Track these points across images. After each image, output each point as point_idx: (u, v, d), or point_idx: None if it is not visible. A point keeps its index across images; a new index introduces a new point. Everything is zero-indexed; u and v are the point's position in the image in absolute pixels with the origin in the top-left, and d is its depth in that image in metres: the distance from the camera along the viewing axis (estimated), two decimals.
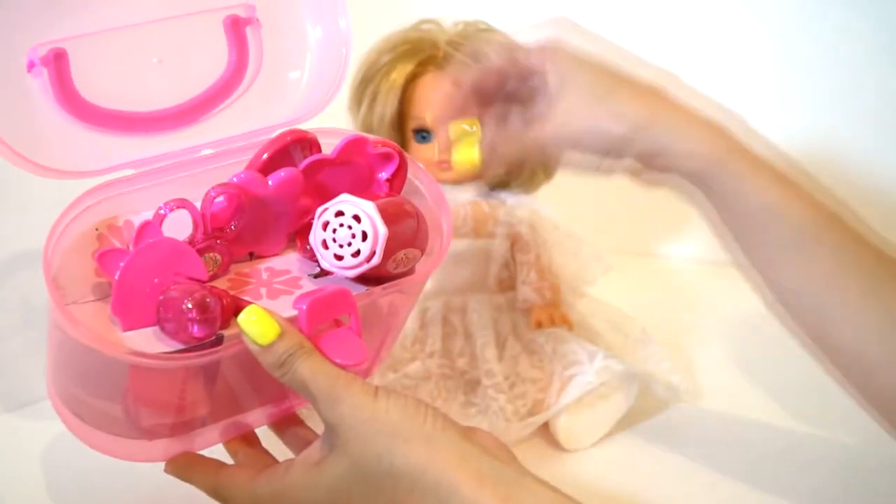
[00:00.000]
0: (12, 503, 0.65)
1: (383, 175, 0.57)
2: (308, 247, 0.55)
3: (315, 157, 0.56)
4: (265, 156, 0.55)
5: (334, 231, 0.52)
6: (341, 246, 0.52)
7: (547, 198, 0.77)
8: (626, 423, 0.71)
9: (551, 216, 0.76)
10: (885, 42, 0.90)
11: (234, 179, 0.54)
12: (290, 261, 0.57)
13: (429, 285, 0.75)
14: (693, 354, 0.81)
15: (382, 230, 0.51)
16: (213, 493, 0.51)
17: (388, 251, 0.52)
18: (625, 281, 0.81)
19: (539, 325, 0.73)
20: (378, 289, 0.53)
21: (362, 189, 0.56)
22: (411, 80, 0.74)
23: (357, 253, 0.51)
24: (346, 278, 0.54)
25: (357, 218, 0.51)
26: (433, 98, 0.73)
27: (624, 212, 1.01)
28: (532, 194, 0.77)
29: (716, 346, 0.83)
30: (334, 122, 0.60)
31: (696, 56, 0.96)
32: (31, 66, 0.52)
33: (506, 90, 0.59)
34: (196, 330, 0.49)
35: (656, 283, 0.96)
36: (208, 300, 0.49)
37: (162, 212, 0.52)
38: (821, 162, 0.94)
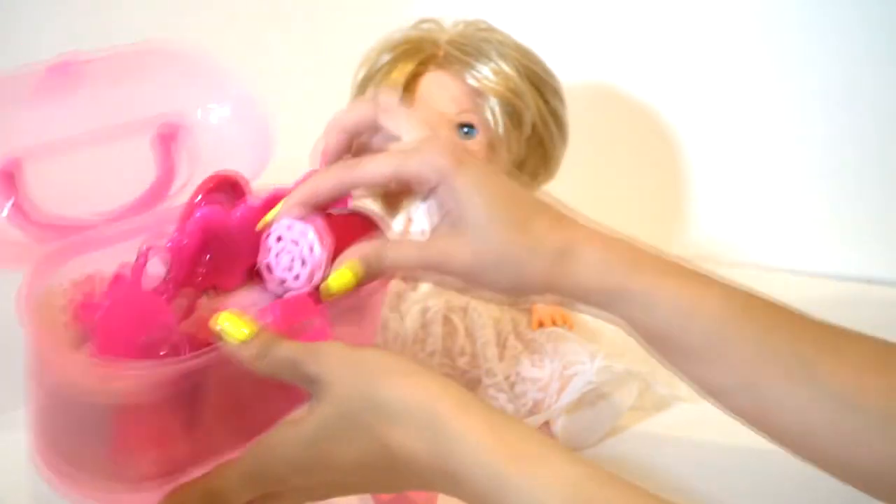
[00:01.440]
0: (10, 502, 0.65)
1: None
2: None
3: (276, 190, 0.57)
4: (199, 197, 0.57)
5: (277, 255, 0.53)
6: (287, 270, 0.53)
7: (548, 197, 0.77)
8: (627, 422, 0.71)
9: None
10: (885, 40, 0.90)
11: (198, 213, 0.55)
12: (252, 294, 0.57)
13: (429, 284, 0.75)
14: None
15: (320, 255, 0.52)
16: (207, 497, 0.50)
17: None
18: None
19: (540, 325, 0.74)
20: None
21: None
22: (412, 80, 0.74)
23: (297, 277, 0.53)
24: None
25: (296, 242, 0.53)
26: (434, 97, 0.73)
27: (625, 211, 1.01)
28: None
29: None
30: None
31: (695, 55, 0.96)
32: None
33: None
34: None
35: None
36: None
37: (141, 260, 0.55)
38: (820, 162, 0.94)
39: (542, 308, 0.74)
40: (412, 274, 0.53)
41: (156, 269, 0.55)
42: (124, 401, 0.50)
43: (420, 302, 0.75)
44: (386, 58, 0.74)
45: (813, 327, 0.52)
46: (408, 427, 0.45)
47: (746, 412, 0.53)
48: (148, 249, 0.55)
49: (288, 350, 0.48)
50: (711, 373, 0.53)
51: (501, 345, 0.73)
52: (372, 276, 0.53)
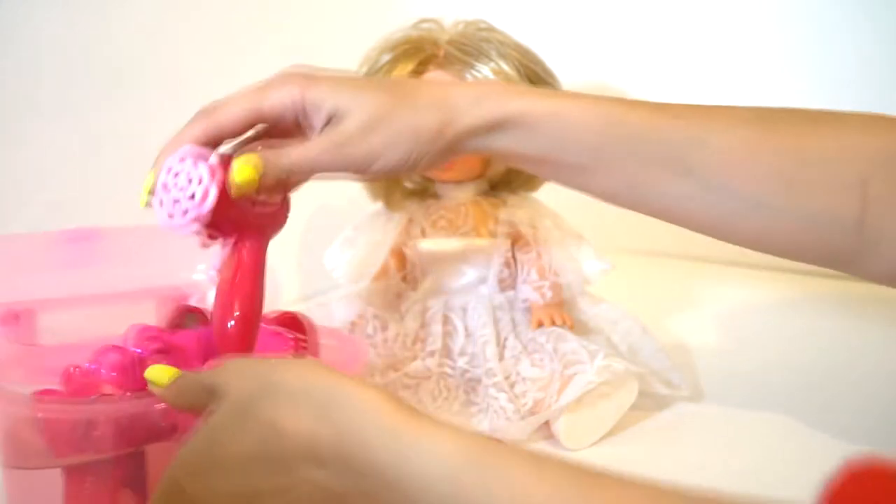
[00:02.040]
0: None
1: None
2: None
3: None
4: (167, 327, 0.60)
5: (175, 177, 0.53)
6: (181, 189, 0.52)
7: (548, 196, 0.77)
8: (627, 422, 0.71)
9: (552, 215, 0.76)
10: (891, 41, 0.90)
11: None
12: None
13: (429, 284, 0.75)
14: (694, 353, 0.81)
15: (217, 176, 0.52)
16: None
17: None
18: (626, 280, 0.81)
19: (539, 325, 0.73)
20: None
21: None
22: None
23: (192, 196, 0.52)
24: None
25: (195, 165, 0.52)
26: None
27: (625, 210, 1.01)
28: (533, 193, 0.77)
29: (717, 344, 0.83)
30: None
31: (695, 55, 0.96)
32: None
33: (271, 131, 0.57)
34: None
35: (657, 282, 0.96)
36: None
37: (93, 366, 0.57)
38: None
39: (542, 308, 0.74)
40: (311, 176, 0.56)
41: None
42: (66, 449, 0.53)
43: (420, 302, 0.75)
44: (386, 57, 0.74)
45: (681, 122, 0.56)
46: (303, 405, 0.44)
47: (636, 207, 0.60)
48: (107, 348, 0.57)
49: (195, 375, 0.50)
50: (596, 182, 0.59)
51: (501, 344, 0.73)
52: (273, 176, 0.54)
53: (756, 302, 0.92)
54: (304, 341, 0.59)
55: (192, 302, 0.67)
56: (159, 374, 0.51)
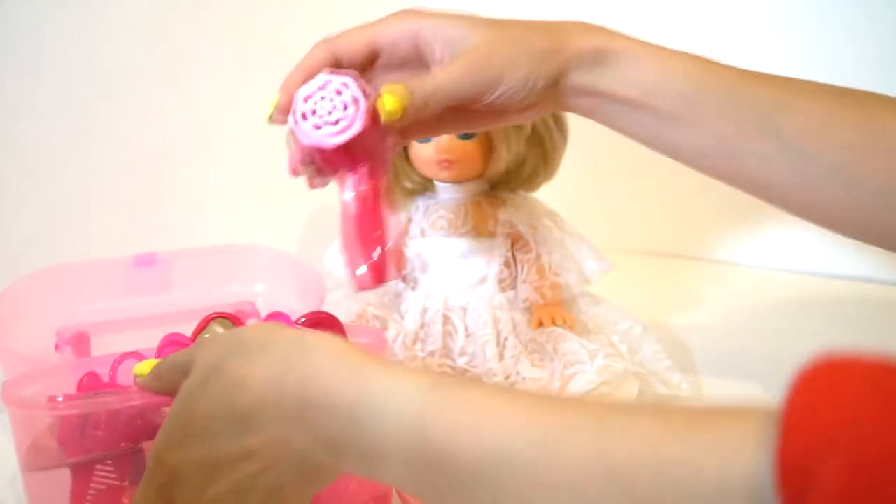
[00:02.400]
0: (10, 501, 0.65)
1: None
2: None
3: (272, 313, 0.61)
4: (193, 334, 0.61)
5: (315, 103, 0.54)
6: (321, 116, 0.54)
7: (548, 196, 0.77)
8: None
9: (552, 214, 0.76)
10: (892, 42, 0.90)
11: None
12: None
13: (429, 284, 0.75)
14: (694, 353, 0.81)
15: (363, 101, 0.54)
16: None
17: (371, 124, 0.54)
18: (626, 280, 0.81)
19: (540, 324, 0.73)
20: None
21: None
22: None
23: (336, 122, 0.54)
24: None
25: (339, 92, 0.54)
26: None
27: (625, 210, 1.01)
28: (533, 193, 0.77)
29: (717, 344, 0.83)
30: None
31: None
32: (57, 346, 0.69)
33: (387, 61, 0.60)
34: None
35: (657, 282, 0.96)
36: None
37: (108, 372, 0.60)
38: None
39: (542, 308, 0.74)
40: (439, 104, 0.57)
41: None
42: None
43: (420, 302, 0.75)
44: None
45: (768, 85, 0.58)
46: (268, 358, 0.44)
47: (720, 169, 0.60)
48: (126, 355, 0.59)
49: (170, 358, 0.51)
50: (688, 135, 0.59)
51: (501, 345, 0.73)
52: (420, 100, 0.55)
53: (756, 302, 0.92)
54: None
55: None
56: (144, 367, 0.53)
